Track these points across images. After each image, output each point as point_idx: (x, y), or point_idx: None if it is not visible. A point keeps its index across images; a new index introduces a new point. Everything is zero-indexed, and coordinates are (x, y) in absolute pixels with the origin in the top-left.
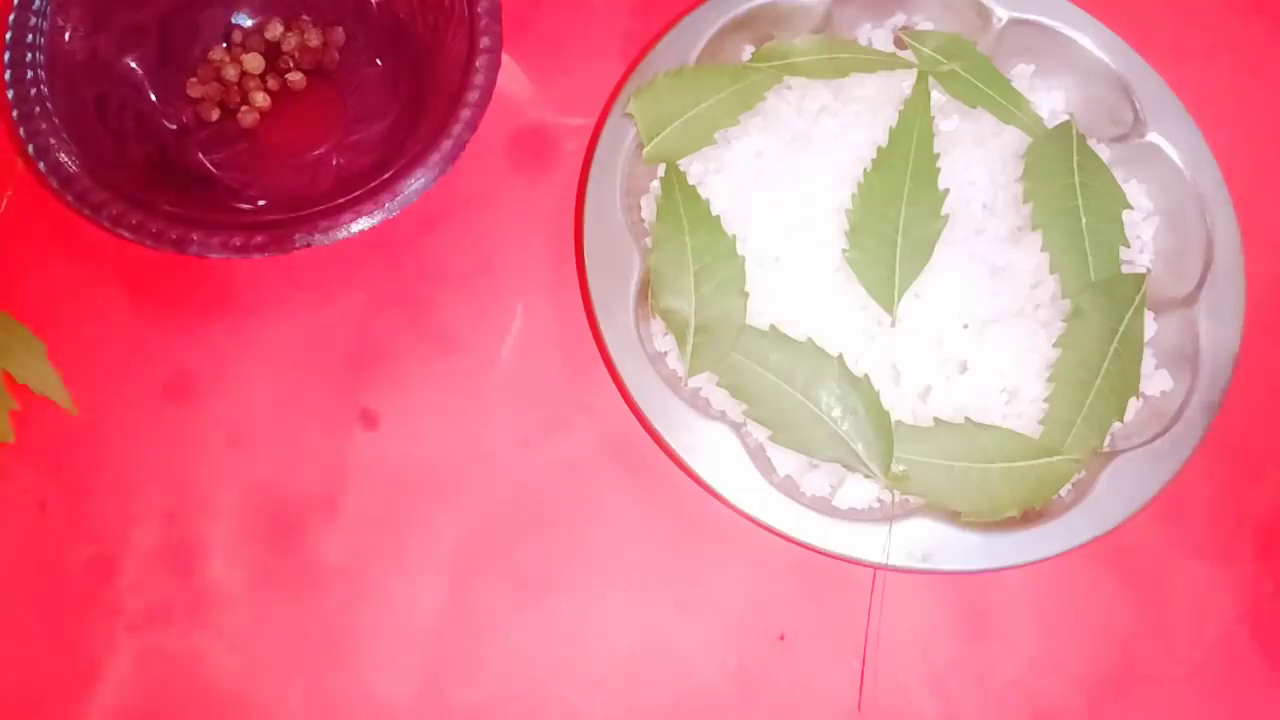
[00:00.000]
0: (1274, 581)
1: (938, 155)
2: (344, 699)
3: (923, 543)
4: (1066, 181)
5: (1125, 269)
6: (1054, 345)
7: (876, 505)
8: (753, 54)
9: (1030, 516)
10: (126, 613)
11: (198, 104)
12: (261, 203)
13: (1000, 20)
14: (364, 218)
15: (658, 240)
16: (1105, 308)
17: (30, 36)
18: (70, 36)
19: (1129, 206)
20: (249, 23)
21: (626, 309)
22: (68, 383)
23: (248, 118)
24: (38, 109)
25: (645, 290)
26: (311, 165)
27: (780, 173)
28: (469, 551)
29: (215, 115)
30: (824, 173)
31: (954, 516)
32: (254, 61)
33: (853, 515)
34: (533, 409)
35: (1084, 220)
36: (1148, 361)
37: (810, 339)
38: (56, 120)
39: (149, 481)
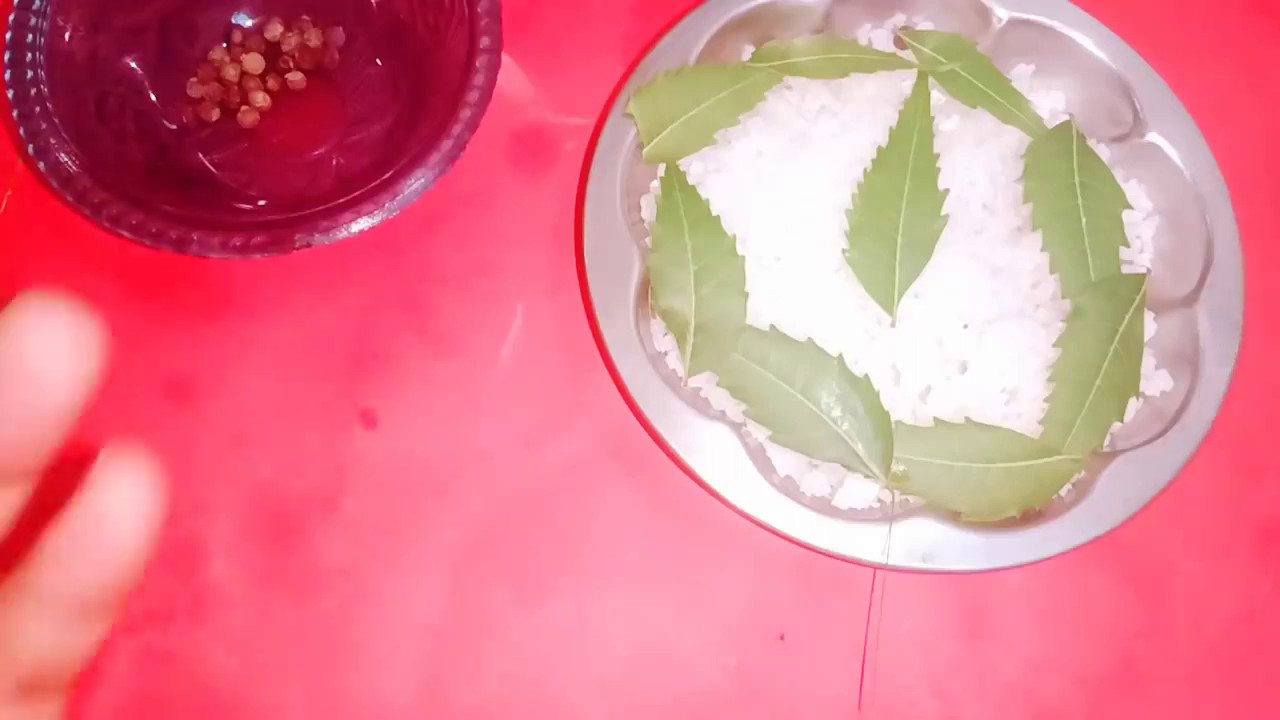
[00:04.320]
0: (1274, 581)
1: (938, 155)
2: (344, 699)
3: (923, 543)
4: (1066, 181)
5: (1125, 269)
6: (1054, 345)
7: (876, 505)
8: (753, 54)
9: (1030, 516)
10: (126, 613)
11: (198, 104)
12: (261, 203)
13: (1000, 20)
14: (364, 218)
15: (658, 240)
16: (1105, 308)
17: (30, 36)
18: (70, 36)
19: (1129, 206)
20: (249, 23)
21: (626, 309)
22: None
23: (248, 118)
24: (38, 109)
25: (645, 290)
26: (311, 165)
27: (780, 173)
28: (469, 551)
29: (215, 115)
30: (824, 173)
31: (954, 516)
32: (254, 61)
33: (853, 515)
34: (533, 409)
35: (1084, 220)
36: (1148, 361)
37: (810, 339)
38: (56, 120)
39: None
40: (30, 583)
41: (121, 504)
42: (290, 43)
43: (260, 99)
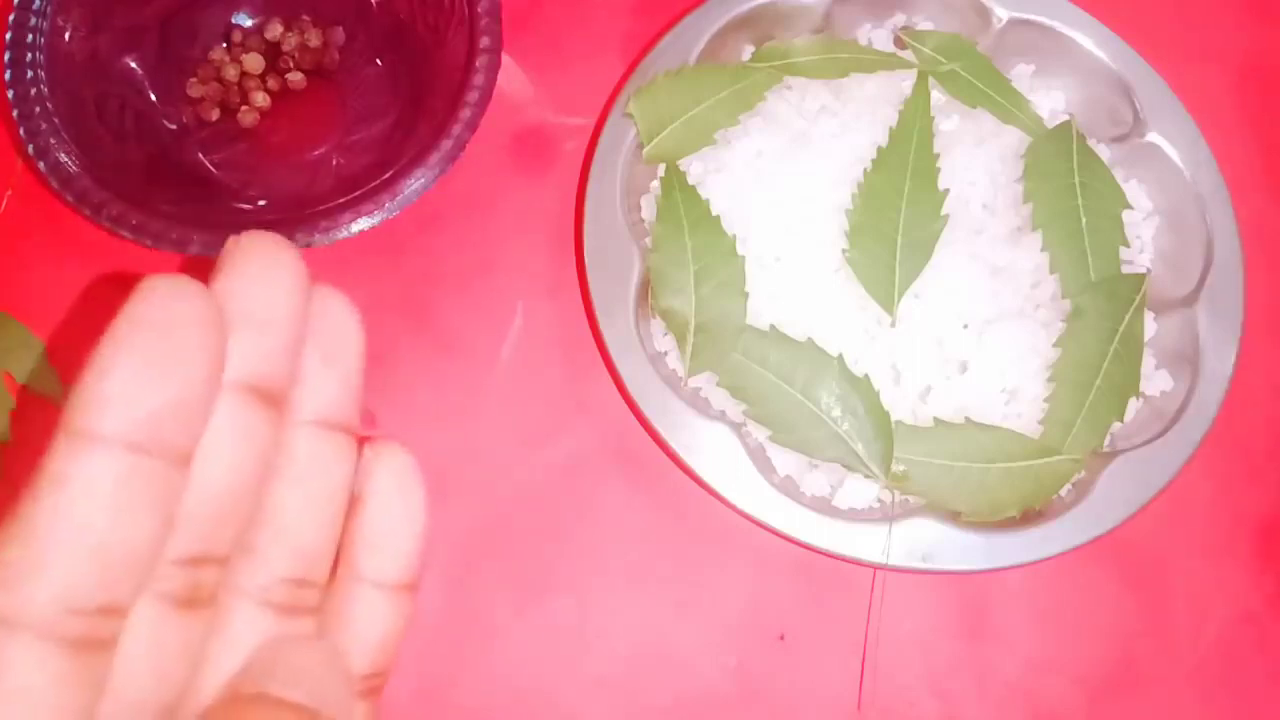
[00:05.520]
0: (1274, 581)
1: (938, 155)
2: None
3: (923, 543)
4: (1066, 181)
5: (1125, 269)
6: (1054, 345)
7: (876, 505)
8: (753, 54)
9: (1030, 516)
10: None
11: (198, 104)
12: (261, 203)
13: (1000, 20)
14: (364, 218)
15: (658, 240)
16: (1105, 308)
17: (30, 36)
18: (70, 36)
19: (1129, 206)
20: (249, 23)
21: (626, 309)
22: (67, 382)
23: (248, 118)
24: (38, 109)
25: (645, 290)
26: (311, 165)
27: (780, 173)
28: (468, 551)
29: (215, 115)
30: (824, 173)
31: (954, 516)
32: (254, 61)
33: (853, 515)
34: (533, 409)
35: (1084, 220)
36: (1148, 361)
37: (810, 339)
38: (56, 120)
39: None
40: (355, 572)
41: (401, 486)
42: (290, 43)
43: (260, 99)
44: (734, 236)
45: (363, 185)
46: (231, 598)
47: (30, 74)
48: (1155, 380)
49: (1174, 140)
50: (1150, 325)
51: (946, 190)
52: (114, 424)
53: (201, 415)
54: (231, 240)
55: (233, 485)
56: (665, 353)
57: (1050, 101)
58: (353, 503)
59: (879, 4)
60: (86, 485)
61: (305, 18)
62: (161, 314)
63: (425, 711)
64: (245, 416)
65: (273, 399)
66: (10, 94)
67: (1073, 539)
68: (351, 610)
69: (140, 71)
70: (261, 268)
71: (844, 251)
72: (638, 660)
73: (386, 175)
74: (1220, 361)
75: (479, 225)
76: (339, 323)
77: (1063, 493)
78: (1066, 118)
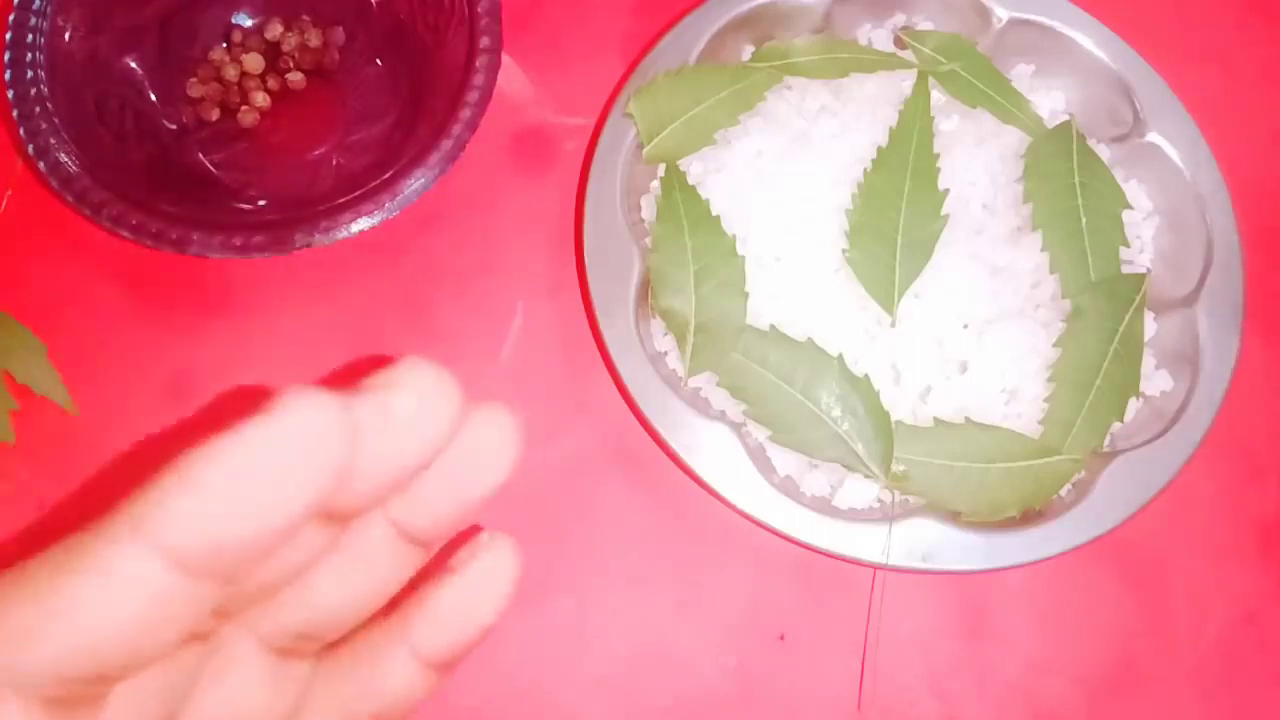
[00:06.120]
0: (1274, 581)
1: (938, 155)
2: None
3: (923, 543)
4: (1066, 181)
5: (1125, 269)
6: (1054, 345)
7: (876, 505)
8: (753, 54)
9: (1030, 516)
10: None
11: (198, 104)
12: (261, 203)
13: (1000, 20)
14: (364, 218)
15: (658, 240)
16: (1105, 308)
17: (30, 36)
18: (70, 36)
19: (1129, 206)
20: (249, 23)
21: (626, 309)
22: (68, 383)
23: (248, 118)
24: (38, 109)
25: (645, 290)
26: (311, 165)
27: (780, 173)
28: None
29: (215, 115)
30: (824, 173)
31: (954, 516)
32: (254, 61)
33: (853, 515)
34: (533, 409)
35: (1084, 220)
36: (1148, 361)
37: (810, 339)
38: (56, 120)
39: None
40: (405, 632)
41: (492, 582)
42: (290, 43)
43: (260, 99)
44: (734, 236)
45: (363, 185)
46: (238, 627)
47: (30, 74)
48: (1155, 380)
49: (1174, 140)
50: (1150, 325)
51: (946, 190)
52: (176, 539)
53: (268, 556)
54: (407, 364)
55: (271, 580)
56: (665, 353)
57: (1050, 101)
58: (441, 565)
59: (879, 4)
60: (124, 588)
61: (305, 18)
62: (267, 450)
63: (425, 711)
64: (304, 531)
65: (338, 519)
66: (10, 94)
67: (1073, 539)
68: (382, 663)
69: (140, 71)
70: (409, 418)
71: (844, 251)
72: (638, 660)
73: (386, 175)
74: (1220, 361)
75: (479, 225)
76: (484, 461)
77: (1063, 493)
78: (1066, 118)
